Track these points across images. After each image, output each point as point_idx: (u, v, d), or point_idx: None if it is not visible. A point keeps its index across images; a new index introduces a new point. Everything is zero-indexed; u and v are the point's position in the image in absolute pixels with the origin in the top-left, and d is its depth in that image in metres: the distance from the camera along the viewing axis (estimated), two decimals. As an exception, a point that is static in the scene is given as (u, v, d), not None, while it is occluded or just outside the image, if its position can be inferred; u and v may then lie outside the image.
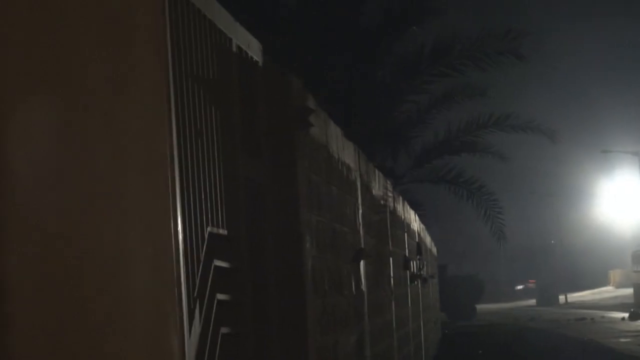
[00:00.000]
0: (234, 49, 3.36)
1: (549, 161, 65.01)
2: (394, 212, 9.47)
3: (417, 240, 13.72)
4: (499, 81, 22.46)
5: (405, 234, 11.18)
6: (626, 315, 35.67)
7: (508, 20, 23.52)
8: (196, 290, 2.57)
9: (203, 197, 2.75)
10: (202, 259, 2.67)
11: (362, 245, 6.13)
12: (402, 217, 10.95)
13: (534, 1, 73.43)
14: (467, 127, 20.77)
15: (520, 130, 21.35)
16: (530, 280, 74.27)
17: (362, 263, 5.96)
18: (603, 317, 37.51)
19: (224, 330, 2.85)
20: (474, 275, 46.78)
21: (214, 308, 2.77)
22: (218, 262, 2.85)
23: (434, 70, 18.36)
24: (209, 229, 2.80)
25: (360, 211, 6.28)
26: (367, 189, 6.93)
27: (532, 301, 63.36)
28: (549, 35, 61.40)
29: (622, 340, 23.43)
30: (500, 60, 18.82)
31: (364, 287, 6.00)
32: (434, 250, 22.88)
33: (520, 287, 76.69)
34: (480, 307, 46.75)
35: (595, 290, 73.91)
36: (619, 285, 75.06)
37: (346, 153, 5.76)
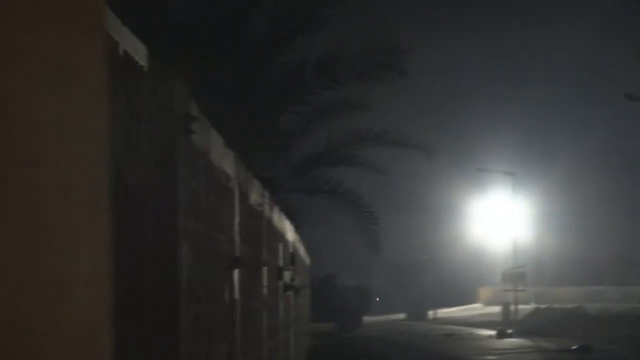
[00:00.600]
0: (120, 52, 3.36)
1: (426, 178, 66.17)
2: (270, 221, 9.51)
3: (291, 250, 13.79)
4: (381, 96, 22.79)
5: (280, 244, 11.23)
6: (493, 332, 36.49)
7: (392, 36, 23.88)
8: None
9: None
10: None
11: (237, 254, 6.14)
12: (278, 226, 10.99)
13: (419, 17, 74.48)
14: (347, 140, 20.97)
15: (398, 145, 21.67)
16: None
17: (236, 272, 5.98)
18: (471, 333, 38.29)
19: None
20: (360, 286, 46.80)
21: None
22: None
23: (318, 82, 18.50)
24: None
25: (237, 220, 6.30)
26: (244, 197, 6.95)
27: (402, 315, 64.12)
28: (433, 52, 62.55)
29: (489, 357, 23.95)
30: (383, 75, 19.07)
31: (237, 295, 6.02)
32: (307, 261, 23.01)
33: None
34: (368, 319, 47.02)
35: (464, 307, 75.31)
36: (488, 303, 76.61)
37: (226, 161, 5.77)
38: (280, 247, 11.15)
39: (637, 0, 78.01)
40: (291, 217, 15.46)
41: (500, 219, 66.77)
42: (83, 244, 2.07)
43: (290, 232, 13.92)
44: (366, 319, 46.34)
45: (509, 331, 37.55)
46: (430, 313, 63.11)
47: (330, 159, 20.93)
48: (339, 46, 18.56)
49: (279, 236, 11.12)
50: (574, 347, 26.03)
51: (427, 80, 65.66)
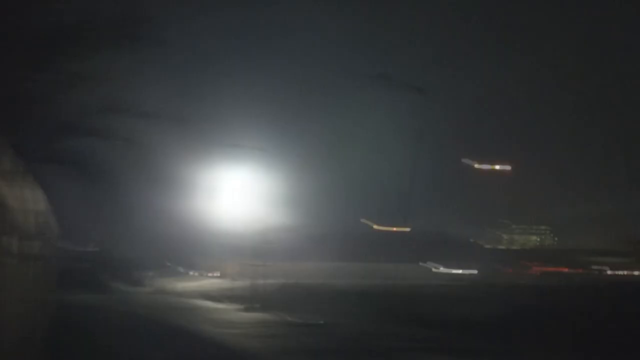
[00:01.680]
0: None
1: (180, 151, 65.67)
2: (18, 190, 9.36)
3: (38, 220, 13.54)
4: (136, 67, 22.46)
5: (27, 213, 11.05)
6: (241, 307, 37.00)
7: (147, 5, 23.36)
8: None
9: None
10: None
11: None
12: (26, 196, 10.81)
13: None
14: (97, 111, 20.62)
15: (150, 117, 21.47)
16: None
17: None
18: (217, 308, 38.57)
19: None
20: (136, 258, 46.12)
21: None
22: None
23: (69, 50, 17.99)
24: None
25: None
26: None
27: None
28: (188, 22, 62.14)
29: (233, 331, 24.24)
30: (134, 44, 18.73)
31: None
32: (56, 230, 22.56)
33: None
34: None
35: (213, 281, 75.59)
36: (236, 278, 77.30)
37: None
38: (27, 216, 10.98)
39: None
40: (40, 187, 15.17)
41: (251, 195, 66.95)
42: None
43: (38, 202, 13.68)
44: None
45: (256, 305, 38.16)
46: (179, 285, 62.99)
47: (79, 129, 20.49)
48: (94, 13, 18.07)
49: (27, 205, 10.95)
50: (314, 322, 26.79)
51: (185, 51, 65.24)
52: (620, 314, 28.20)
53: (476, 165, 79.36)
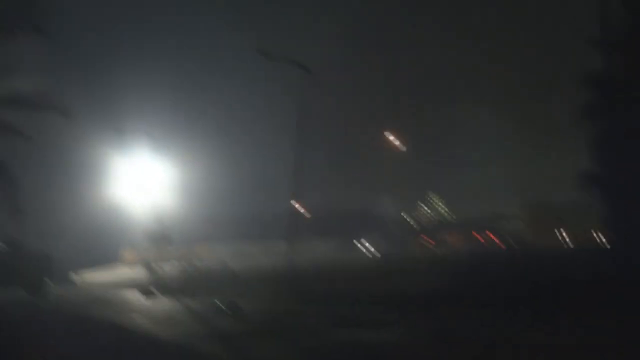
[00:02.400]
0: None
1: (67, 139, 64.46)
2: None
3: None
4: (21, 57, 21.79)
5: None
6: (139, 293, 36.58)
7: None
8: None
9: None
10: None
11: None
12: None
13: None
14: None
15: (37, 108, 20.89)
16: None
17: None
18: (116, 294, 38.13)
19: None
20: (44, 253, 45.07)
21: None
22: None
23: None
24: None
25: None
26: None
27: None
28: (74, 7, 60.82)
29: (134, 315, 23.98)
30: (17, 32, 18.19)
31: None
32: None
33: None
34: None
35: (110, 270, 74.88)
36: (133, 264, 76.76)
37: None
38: None
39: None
40: None
41: (142, 180, 66.07)
42: None
43: None
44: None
45: (155, 291, 37.77)
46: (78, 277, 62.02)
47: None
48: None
49: None
50: (220, 305, 26.61)
51: (66, 38, 63.87)
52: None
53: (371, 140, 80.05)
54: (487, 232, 77.93)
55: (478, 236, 78.23)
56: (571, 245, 75.70)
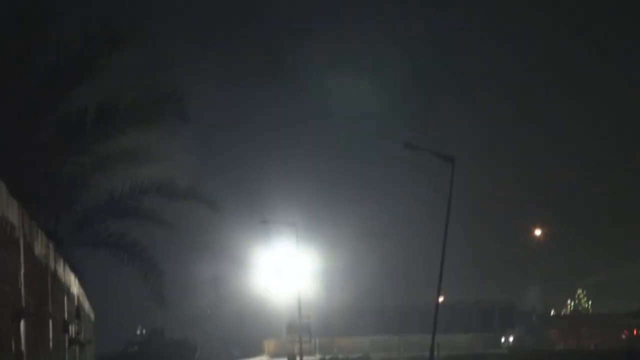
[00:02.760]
0: None
1: (212, 230, 65.65)
2: (55, 274, 9.25)
3: (76, 304, 13.44)
4: (165, 145, 22.41)
5: (65, 297, 10.93)
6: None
7: (176, 82, 23.35)
8: None
9: None
10: None
11: (23, 305, 5.94)
12: (63, 279, 10.70)
13: (193, 63, 74.18)
14: (130, 192, 20.57)
15: (182, 197, 21.39)
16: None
17: (22, 323, 5.78)
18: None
19: None
20: (186, 340, 45.96)
21: None
22: None
23: (98, 132, 17.96)
24: None
25: (22, 271, 6.10)
26: (29, 248, 6.74)
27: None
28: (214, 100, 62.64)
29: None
30: (164, 121, 18.70)
31: (23, 347, 5.81)
32: (92, 315, 22.44)
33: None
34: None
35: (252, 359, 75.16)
36: (273, 355, 76.90)
37: (10, 210, 5.59)
38: (65, 300, 10.86)
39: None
40: (75, 270, 15.06)
41: (284, 271, 66.45)
42: None
43: (75, 286, 13.57)
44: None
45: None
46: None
47: (113, 211, 20.42)
48: (120, 92, 18.09)
49: (64, 289, 10.83)
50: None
51: (213, 129, 65.77)
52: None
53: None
54: (634, 329, 75.22)
55: (626, 332, 75.56)
56: None
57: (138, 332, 50.06)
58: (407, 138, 48.82)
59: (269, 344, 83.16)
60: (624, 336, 73.59)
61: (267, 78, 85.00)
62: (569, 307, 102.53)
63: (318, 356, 66.37)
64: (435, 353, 39.37)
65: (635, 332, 75.34)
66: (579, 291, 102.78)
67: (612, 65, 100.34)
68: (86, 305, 18.44)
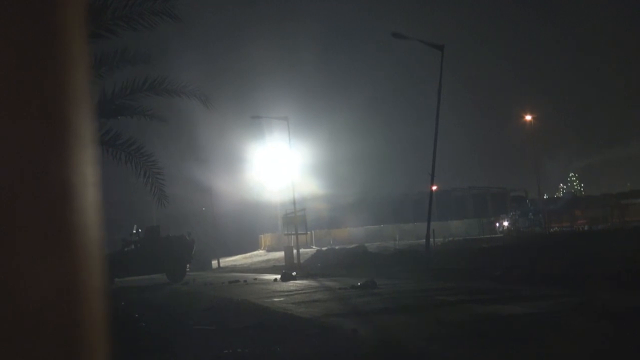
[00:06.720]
0: None
1: (204, 126, 65.82)
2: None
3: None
4: (157, 45, 22.33)
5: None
6: (278, 276, 37.16)
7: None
8: None
9: None
10: None
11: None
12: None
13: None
14: (122, 91, 20.57)
15: (175, 94, 21.41)
16: None
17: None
18: (256, 279, 38.78)
19: None
20: (183, 236, 46.07)
21: None
22: None
23: (87, 32, 17.85)
24: None
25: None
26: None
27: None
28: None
29: (275, 299, 24.38)
30: (155, 21, 18.61)
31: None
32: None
33: None
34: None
35: (247, 255, 75.93)
36: (270, 249, 77.64)
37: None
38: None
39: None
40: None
41: (277, 165, 66.33)
42: None
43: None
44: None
45: (294, 274, 38.32)
46: (214, 262, 63.28)
47: (107, 110, 20.42)
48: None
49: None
50: (360, 283, 26.89)
51: (203, 28, 65.29)
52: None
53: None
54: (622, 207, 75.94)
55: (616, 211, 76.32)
56: None
57: (134, 230, 50.36)
58: (398, 29, 48.56)
59: (266, 239, 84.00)
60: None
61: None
62: (561, 190, 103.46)
63: (314, 248, 67.09)
64: (431, 240, 39.87)
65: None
66: (571, 174, 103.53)
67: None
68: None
